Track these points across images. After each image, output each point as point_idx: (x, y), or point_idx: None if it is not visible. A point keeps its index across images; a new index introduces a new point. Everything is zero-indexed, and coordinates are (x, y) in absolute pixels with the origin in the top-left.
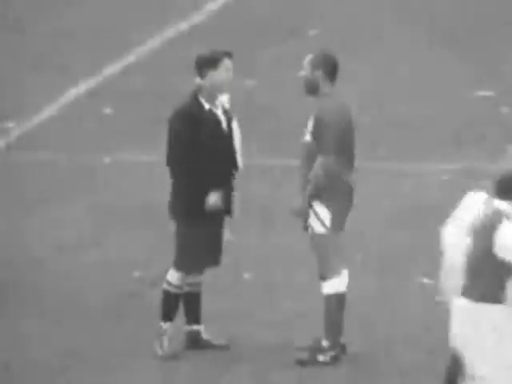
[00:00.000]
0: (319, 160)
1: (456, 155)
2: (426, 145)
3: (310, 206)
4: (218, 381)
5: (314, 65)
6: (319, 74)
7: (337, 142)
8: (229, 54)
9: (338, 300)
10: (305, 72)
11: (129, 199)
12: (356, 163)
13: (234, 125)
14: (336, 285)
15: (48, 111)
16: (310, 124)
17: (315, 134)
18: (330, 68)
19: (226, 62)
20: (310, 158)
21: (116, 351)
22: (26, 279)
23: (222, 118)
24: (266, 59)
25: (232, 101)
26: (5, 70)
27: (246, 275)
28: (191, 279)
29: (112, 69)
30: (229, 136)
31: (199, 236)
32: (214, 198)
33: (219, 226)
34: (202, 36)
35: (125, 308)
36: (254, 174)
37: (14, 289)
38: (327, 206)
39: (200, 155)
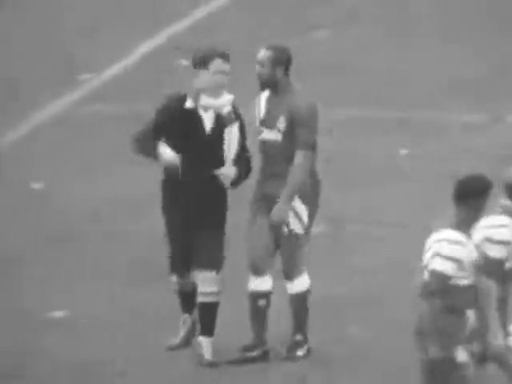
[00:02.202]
0: (302, 155)
1: None
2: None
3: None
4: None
5: (276, 62)
6: (281, 71)
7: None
8: (223, 55)
9: (306, 296)
10: (261, 68)
11: None
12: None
13: (228, 130)
14: (304, 283)
15: (123, 63)
16: (281, 121)
17: (290, 130)
18: (288, 63)
19: (218, 63)
20: (281, 157)
21: (147, 318)
22: (89, 236)
23: (209, 121)
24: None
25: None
26: (81, 23)
27: (318, 229)
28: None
29: (181, 25)
30: (211, 140)
31: (172, 237)
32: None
33: (195, 229)
34: None
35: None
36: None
37: (75, 246)
38: (304, 203)
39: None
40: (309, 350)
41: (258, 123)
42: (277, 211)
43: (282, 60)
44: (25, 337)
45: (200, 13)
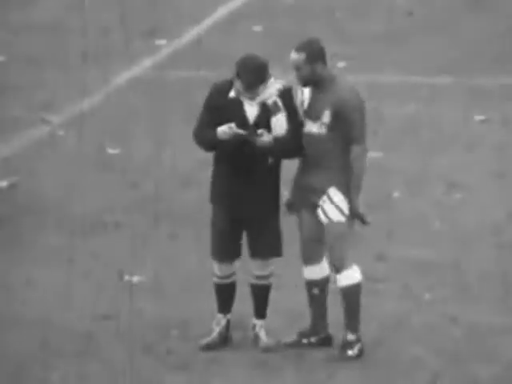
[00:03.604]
0: (359, 149)
1: None
2: None
3: (326, 193)
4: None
5: (312, 60)
6: (319, 66)
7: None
8: None
9: (357, 290)
10: (298, 72)
11: None
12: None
13: (275, 120)
14: (353, 275)
15: (198, 29)
16: (326, 115)
17: (335, 124)
18: (324, 55)
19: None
20: (323, 149)
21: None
22: (177, 199)
23: (252, 111)
24: None
25: None
26: None
27: (396, 194)
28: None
29: None
30: (253, 128)
31: (218, 224)
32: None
33: (239, 218)
34: None
35: None
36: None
37: (164, 208)
38: (344, 194)
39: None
40: (361, 350)
41: (301, 114)
42: (351, 211)
43: (317, 55)
44: (117, 298)
45: None
